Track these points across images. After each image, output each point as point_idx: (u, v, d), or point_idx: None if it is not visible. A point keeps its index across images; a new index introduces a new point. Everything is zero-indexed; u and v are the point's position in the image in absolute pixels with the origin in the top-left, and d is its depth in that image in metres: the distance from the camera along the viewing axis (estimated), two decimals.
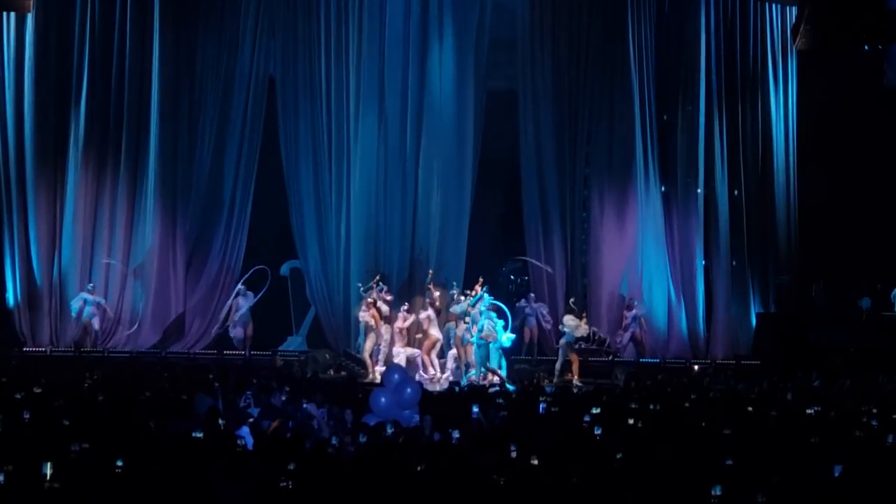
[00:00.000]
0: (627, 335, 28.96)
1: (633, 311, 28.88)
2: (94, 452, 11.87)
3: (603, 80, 30.03)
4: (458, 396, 18.59)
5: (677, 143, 30.11)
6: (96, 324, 28.57)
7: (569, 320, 26.30)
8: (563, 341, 26.34)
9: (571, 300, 27.61)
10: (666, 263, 29.84)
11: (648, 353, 28.81)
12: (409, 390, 17.20)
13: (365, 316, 26.43)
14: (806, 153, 30.13)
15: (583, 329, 26.44)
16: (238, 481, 10.84)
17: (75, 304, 28.37)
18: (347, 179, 29.56)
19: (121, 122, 29.33)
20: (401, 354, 26.57)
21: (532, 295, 28.73)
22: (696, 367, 26.24)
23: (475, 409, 15.58)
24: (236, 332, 28.50)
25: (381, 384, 18.09)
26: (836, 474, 11.27)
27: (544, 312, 28.59)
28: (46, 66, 29.05)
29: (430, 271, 27.76)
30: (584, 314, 27.13)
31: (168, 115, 29.33)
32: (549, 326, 28.35)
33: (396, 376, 17.60)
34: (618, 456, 12.11)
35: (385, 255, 29.40)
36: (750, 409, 17.19)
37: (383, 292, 26.99)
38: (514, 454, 12.19)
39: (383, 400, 16.83)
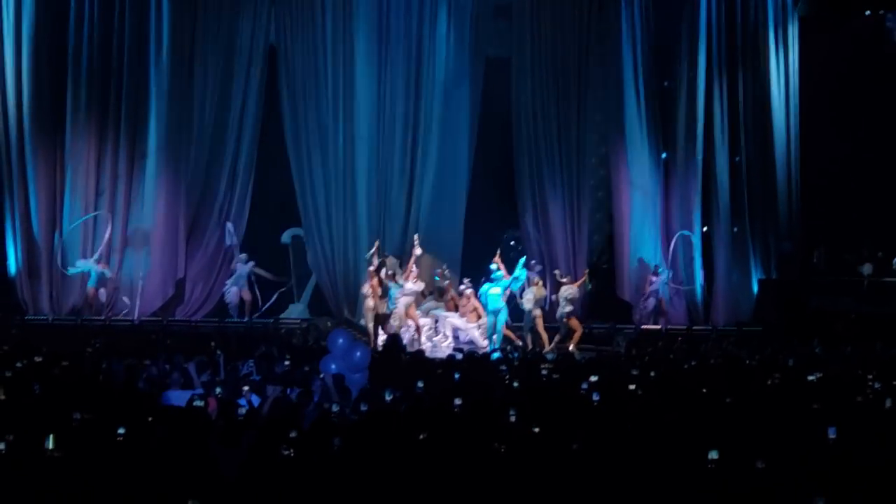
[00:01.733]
0: (652, 302, 29.09)
1: (659, 278, 28.98)
2: (96, 421, 11.89)
3: (603, 47, 29.97)
4: (459, 364, 18.57)
5: (678, 110, 30.05)
6: (103, 296, 28.56)
7: (564, 290, 26.31)
8: (563, 311, 26.23)
9: (556, 271, 27.54)
10: (665, 230, 29.88)
11: (671, 321, 28.96)
12: (358, 353, 17.34)
13: (366, 286, 26.37)
14: (808, 119, 30.07)
15: (573, 290, 26.45)
16: (238, 449, 10.87)
17: (77, 269, 28.34)
18: (350, 146, 29.52)
19: (120, 89, 29.17)
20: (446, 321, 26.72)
21: (534, 261, 28.69)
22: (679, 339, 25.82)
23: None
24: (230, 297, 28.63)
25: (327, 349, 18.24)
26: (832, 436, 11.30)
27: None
28: (45, 33, 28.86)
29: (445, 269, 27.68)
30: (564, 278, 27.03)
31: (168, 82, 29.13)
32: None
33: (341, 340, 17.69)
34: (620, 425, 12.14)
35: (387, 222, 29.41)
36: (751, 375, 17.23)
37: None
38: (513, 418, 12.25)
39: (334, 366, 16.94)
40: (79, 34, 28.95)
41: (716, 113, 29.93)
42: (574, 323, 26.20)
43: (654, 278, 29.09)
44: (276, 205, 30.47)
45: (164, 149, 29.12)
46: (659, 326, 28.47)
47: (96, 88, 29.10)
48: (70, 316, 28.18)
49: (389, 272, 25.94)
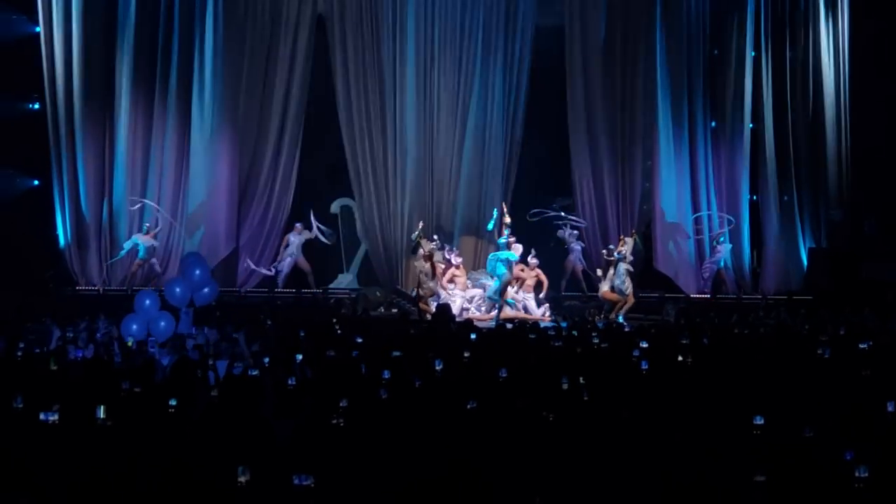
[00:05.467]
0: (713, 268, 29.00)
1: (721, 248, 28.89)
2: (147, 391, 11.96)
3: (653, 15, 29.76)
4: (508, 333, 18.57)
5: (726, 79, 29.87)
6: (157, 266, 28.65)
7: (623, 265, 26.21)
8: (623, 286, 26.05)
9: (606, 250, 27.27)
10: (714, 199, 29.76)
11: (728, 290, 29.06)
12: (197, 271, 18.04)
13: (419, 265, 26.32)
14: (859, 85, 29.78)
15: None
16: (290, 418, 10.90)
17: (128, 245, 28.43)
18: (400, 116, 29.57)
19: (169, 60, 29.21)
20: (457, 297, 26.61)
21: (575, 231, 28.74)
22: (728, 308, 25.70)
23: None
24: (285, 267, 28.60)
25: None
26: (890, 410, 11.21)
27: (579, 252, 28.64)
28: (94, 3, 28.96)
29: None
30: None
31: (216, 52, 29.11)
32: (581, 266, 28.40)
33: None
34: (670, 393, 12.11)
35: (435, 193, 29.47)
36: (802, 344, 17.15)
37: (435, 246, 26.83)
38: (565, 386, 12.27)
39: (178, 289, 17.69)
40: (126, 5, 28.99)
41: (765, 81, 29.75)
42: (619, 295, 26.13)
43: (718, 246, 29.00)
44: (325, 175, 30.56)
45: (213, 120, 29.13)
46: (708, 295, 28.40)
47: (145, 61, 29.18)
48: (121, 286, 28.34)
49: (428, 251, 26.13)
